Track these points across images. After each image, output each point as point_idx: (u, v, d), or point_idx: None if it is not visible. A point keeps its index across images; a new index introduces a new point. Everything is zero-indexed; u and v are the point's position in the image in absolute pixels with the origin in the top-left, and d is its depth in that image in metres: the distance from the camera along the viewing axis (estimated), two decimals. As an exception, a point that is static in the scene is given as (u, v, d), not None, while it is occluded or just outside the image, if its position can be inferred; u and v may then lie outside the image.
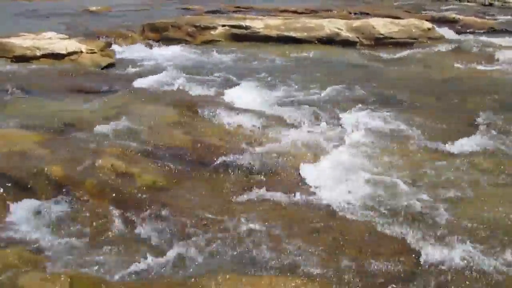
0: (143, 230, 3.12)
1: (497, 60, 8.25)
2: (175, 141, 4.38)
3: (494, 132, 4.68)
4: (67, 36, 8.31)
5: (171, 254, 2.84)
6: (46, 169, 3.59)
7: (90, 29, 9.93)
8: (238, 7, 13.96)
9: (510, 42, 9.93)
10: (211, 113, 5.04)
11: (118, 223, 3.18)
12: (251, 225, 3.13)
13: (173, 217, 3.22)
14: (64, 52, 7.48)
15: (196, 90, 6.00)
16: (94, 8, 13.81)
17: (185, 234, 3.04)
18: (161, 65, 7.43)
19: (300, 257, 2.83)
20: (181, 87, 6.08)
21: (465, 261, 2.79)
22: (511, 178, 3.83)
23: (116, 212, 3.27)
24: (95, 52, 7.74)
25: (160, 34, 9.57)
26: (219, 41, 9.46)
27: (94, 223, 3.18)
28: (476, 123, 4.96)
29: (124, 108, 5.16)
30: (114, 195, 3.44)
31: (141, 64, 7.62)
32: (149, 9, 14.20)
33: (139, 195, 3.46)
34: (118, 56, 8.06)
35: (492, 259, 2.81)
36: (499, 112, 5.47)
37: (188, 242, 2.95)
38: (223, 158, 4.02)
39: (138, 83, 6.36)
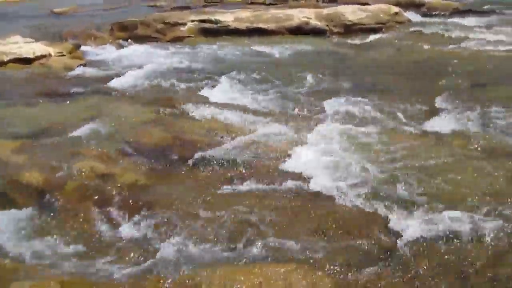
0: (128, 229, 3.10)
1: (462, 40, 8.49)
2: (154, 139, 4.36)
3: (462, 110, 4.83)
4: (33, 40, 8.13)
5: (159, 251, 2.84)
6: (24, 175, 3.54)
7: (57, 31, 9.73)
8: (207, 1, 13.89)
9: (473, 22, 10.22)
10: (188, 109, 5.04)
11: (102, 225, 3.16)
12: (237, 216, 3.15)
13: (157, 214, 3.21)
14: (32, 56, 7.32)
15: (171, 87, 5.99)
16: (60, 10, 13.52)
17: (172, 231, 3.04)
18: (133, 64, 7.36)
19: (287, 244, 2.87)
20: (155, 85, 6.05)
21: (444, 234, 2.89)
22: (479, 153, 3.98)
23: (99, 214, 3.25)
24: (64, 55, 7.61)
25: (130, 33, 9.47)
26: (190, 37, 9.42)
27: (78, 227, 3.15)
28: (444, 102, 5.12)
29: (99, 109, 5.10)
30: (96, 197, 3.42)
31: (113, 64, 7.53)
32: (117, 8, 13.98)
33: (122, 195, 3.45)
34: (88, 57, 7.95)
35: (468, 230, 2.91)
36: (465, 90, 5.66)
37: (175, 238, 2.95)
38: (203, 153, 4.03)
39: (111, 83, 6.29)
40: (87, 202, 3.37)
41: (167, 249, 2.86)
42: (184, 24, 9.60)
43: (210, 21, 9.62)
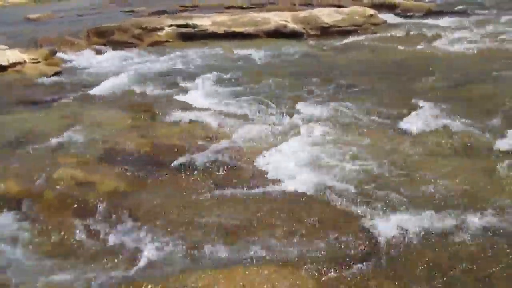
0: (109, 237, 3.07)
1: (436, 40, 8.67)
2: (134, 145, 4.34)
3: (437, 109, 4.94)
4: (7, 47, 7.99)
5: (142, 258, 2.82)
6: (0, 185, 3.49)
7: (32, 37, 9.58)
8: (184, 6, 13.86)
9: (446, 22, 10.45)
10: (167, 114, 5.03)
11: (82, 234, 3.13)
12: (218, 221, 3.16)
13: (138, 221, 3.20)
14: (6, 63, 7.19)
15: (149, 93, 5.97)
16: (35, 16, 13.30)
17: (153, 237, 3.03)
18: (110, 70, 7.30)
19: (268, 246, 2.90)
20: (133, 91, 6.02)
21: (422, 232, 2.94)
22: (456, 150, 4.07)
23: (79, 222, 3.22)
24: (39, 62, 7.50)
25: (107, 39, 9.38)
26: (168, 41, 9.39)
27: (58, 237, 3.11)
28: (420, 101, 5.22)
29: (77, 116, 5.06)
30: (75, 205, 3.38)
31: (89, 70, 7.46)
32: (92, 14, 13.84)
33: (102, 203, 3.42)
34: (64, 64, 7.85)
35: (447, 227, 2.98)
36: (440, 89, 5.78)
37: (157, 244, 2.95)
38: (183, 158, 4.04)
39: (89, 90, 6.23)
40: (66, 211, 3.34)
41: (150, 255, 2.85)
42: (162, 29, 9.57)
43: (187, 26, 9.61)
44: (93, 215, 3.29)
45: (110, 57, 8.30)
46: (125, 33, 9.51)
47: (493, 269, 2.63)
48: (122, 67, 7.44)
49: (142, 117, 4.97)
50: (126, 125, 4.81)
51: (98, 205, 3.39)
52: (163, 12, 12.89)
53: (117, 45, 9.09)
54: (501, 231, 2.95)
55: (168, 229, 3.10)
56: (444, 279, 2.58)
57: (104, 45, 9.15)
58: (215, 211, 3.28)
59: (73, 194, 3.49)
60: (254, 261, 2.77)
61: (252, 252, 2.85)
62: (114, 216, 3.27)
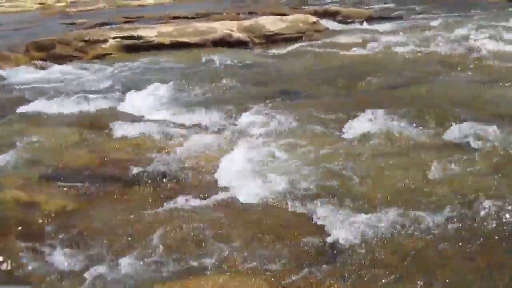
0: (56, 259, 2.94)
1: (375, 44, 9.06)
2: (81, 161, 4.23)
3: (379, 111, 5.17)
4: None
5: (95, 277, 2.74)
6: None
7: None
8: (127, 17, 13.66)
9: (385, 28, 10.95)
10: (114, 128, 4.93)
11: (28, 258, 2.98)
12: (173, 233, 3.13)
13: (89, 240, 3.11)
14: None
15: (95, 107, 5.82)
16: (-35, 32, 12.66)
17: (106, 254, 2.96)
18: (52, 85, 7.07)
19: (224, 254, 2.91)
20: (77, 106, 5.85)
21: (372, 230, 3.05)
22: (401, 150, 4.27)
23: (24, 246, 3.05)
24: (-28, 79, 7.15)
25: (47, 53, 9.08)
26: (112, 54, 9.23)
27: (1, 262, 2.98)
28: (363, 104, 5.43)
29: (19, 135, 4.85)
30: (19, 228, 3.23)
31: (30, 86, 7.17)
32: (31, 27, 13.33)
33: (48, 223, 3.30)
34: (2, 81, 7.51)
35: (399, 226, 3.10)
36: (383, 92, 6.05)
37: (111, 262, 2.88)
38: (134, 171, 3.98)
39: (30, 107, 5.98)
40: (10, 235, 3.19)
41: (99, 274, 2.78)
42: (106, 41, 9.39)
43: (132, 37, 9.48)
44: (39, 237, 3.16)
45: (52, 72, 8.03)
46: (67, 46, 9.25)
47: (438, 263, 2.77)
48: (65, 81, 7.22)
49: (88, 132, 4.85)
50: (72, 141, 4.68)
51: (44, 226, 3.27)
52: (106, 24, 12.65)
53: (59, 59, 8.82)
54: (442, 225, 3.12)
55: (118, 246, 3.03)
56: (394, 275, 2.68)
57: (45, 59, 8.85)
58: (167, 224, 3.25)
59: (16, 216, 3.34)
60: (209, 271, 2.77)
61: (207, 262, 2.85)
62: (61, 236, 3.16)
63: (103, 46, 9.30)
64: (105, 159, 4.27)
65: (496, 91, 6.06)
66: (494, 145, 4.25)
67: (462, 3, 15.65)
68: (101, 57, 9.06)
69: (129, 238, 3.12)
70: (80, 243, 3.09)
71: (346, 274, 2.71)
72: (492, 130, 4.51)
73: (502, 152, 4.10)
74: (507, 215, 3.17)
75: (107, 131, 4.91)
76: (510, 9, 13.89)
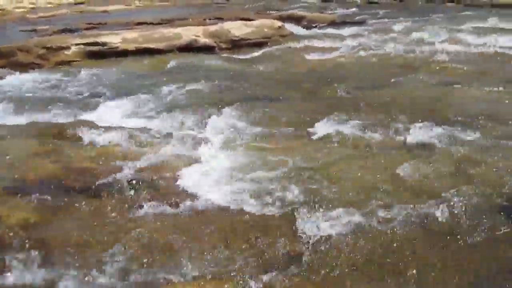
0: (19, 274, 2.86)
1: (340, 48, 9.26)
2: (44, 172, 4.12)
3: (345, 113, 5.29)
4: None
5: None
6: None
7: None
8: (91, 23, 13.42)
9: (349, 32, 11.20)
10: (78, 137, 4.83)
11: (-11, 273, 2.92)
12: (140, 242, 3.10)
13: (53, 253, 3.03)
14: None
15: (58, 116, 5.68)
16: None
17: (70, 268, 2.88)
18: (12, 94, 6.84)
19: (193, 261, 2.90)
20: (39, 115, 5.69)
21: (346, 232, 3.13)
22: (364, 153, 4.39)
23: (-15, 261, 2.99)
24: None
25: (7, 60, 8.80)
26: (75, 61, 9.03)
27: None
28: (329, 107, 5.55)
29: (-23, 147, 4.68)
30: (-20, 243, 3.14)
31: (-13, 96, 6.92)
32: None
33: (11, 237, 3.19)
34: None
35: (368, 225, 3.19)
36: (348, 95, 6.18)
37: (75, 276, 2.81)
38: (100, 181, 3.90)
39: (-13, 118, 5.80)
40: (-31, 251, 3.08)
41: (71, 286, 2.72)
42: (68, 48, 9.18)
43: (96, 44, 9.31)
44: (1, 251, 3.08)
45: (11, 80, 7.78)
46: (28, 53, 8.99)
47: (406, 260, 2.85)
48: (26, 90, 7.01)
49: (51, 142, 4.72)
50: (34, 152, 4.55)
51: (7, 240, 3.17)
52: (68, 31, 12.38)
53: (20, 67, 8.55)
54: (409, 223, 3.22)
55: (86, 258, 2.97)
56: (363, 274, 2.75)
57: (4, 67, 8.58)
58: (136, 233, 3.21)
59: (-23, 231, 3.23)
60: (177, 280, 2.76)
61: (175, 271, 2.83)
62: (26, 249, 3.07)
63: (66, 53, 9.09)
64: (70, 169, 4.17)
65: (456, 93, 6.31)
66: (452, 146, 4.42)
67: (422, 8, 16.20)
68: (63, 64, 8.85)
69: (95, 250, 3.06)
70: (43, 256, 3.01)
71: (315, 276, 2.75)
72: (450, 132, 4.70)
73: (460, 153, 4.26)
74: (465, 214, 3.30)
75: (71, 140, 4.80)
76: (466, 12, 14.48)
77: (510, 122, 5.04)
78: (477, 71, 7.28)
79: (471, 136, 4.60)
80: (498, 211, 3.34)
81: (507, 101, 5.84)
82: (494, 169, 3.93)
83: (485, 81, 6.70)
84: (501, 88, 6.30)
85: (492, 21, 12.09)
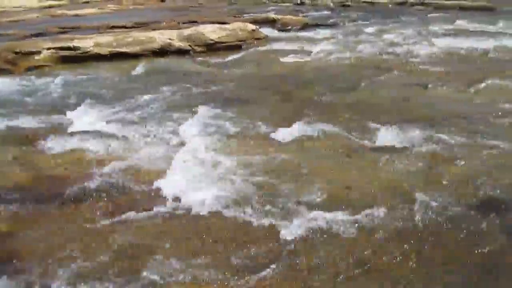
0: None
1: (314, 50, 9.33)
2: (13, 181, 4.02)
3: (319, 115, 5.33)
4: None
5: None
6: None
7: None
8: (63, 27, 13.15)
9: (321, 34, 11.31)
10: (50, 144, 4.73)
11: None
12: (116, 249, 3.05)
13: (24, 263, 2.96)
14: None
15: (27, 122, 5.52)
16: None
17: (42, 279, 2.81)
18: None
19: (171, 267, 2.87)
20: (6, 122, 5.52)
21: (324, 232, 3.16)
22: (338, 154, 4.43)
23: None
24: None
25: (-26, 66, 8.55)
26: (47, 65, 8.83)
27: None
28: (304, 109, 5.59)
29: None
30: None
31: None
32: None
33: (-21, 247, 3.11)
34: None
35: (347, 226, 3.22)
36: (321, 97, 6.23)
37: (51, 285, 2.75)
38: (73, 188, 3.82)
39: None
40: None
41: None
42: (39, 52, 8.97)
43: (68, 48, 9.13)
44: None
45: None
46: (-5, 58, 8.75)
47: (381, 260, 2.89)
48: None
49: (20, 150, 4.61)
50: (2, 160, 4.43)
51: (-26, 251, 3.08)
52: (40, 35, 12.10)
53: (-13, 73, 8.32)
54: (384, 223, 3.26)
55: (60, 268, 2.91)
56: (341, 275, 2.77)
57: (-29, 73, 8.32)
58: (111, 240, 3.16)
59: None
60: (159, 285, 2.73)
61: (154, 277, 2.80)
62: (-5, 261, 2.99)
63: (37, 57, 8.88)
64: (41, 177, 4.08)
65: (427, 93, 6.44)
66: (425, 145, 4.51)
67: (393, 10, 16.50)
68: (34, 69, 8.64)
69: (67, 259, 3.00)
70: (15, 267, 2.94)
71: (295, 276, 2.76)
72: (423, 131, 4.79)
73: (432, 152, 4.35)
74: (438, 212, 3.37)
75: (41, 147, 4.69)
76: (435, 15, 14.82)
77: (479, 121, 5.17)
78: (447, 72, 7.46)
79: (443, 135, 4.70)
80: (470, 209, 3.41)
81: (477, 101, 6.01)
82: (465, 168, 4.02)
83: (455, 81, 6.86)
84: (471, 89, 6.47)
85: (460, 23, 12.42)
